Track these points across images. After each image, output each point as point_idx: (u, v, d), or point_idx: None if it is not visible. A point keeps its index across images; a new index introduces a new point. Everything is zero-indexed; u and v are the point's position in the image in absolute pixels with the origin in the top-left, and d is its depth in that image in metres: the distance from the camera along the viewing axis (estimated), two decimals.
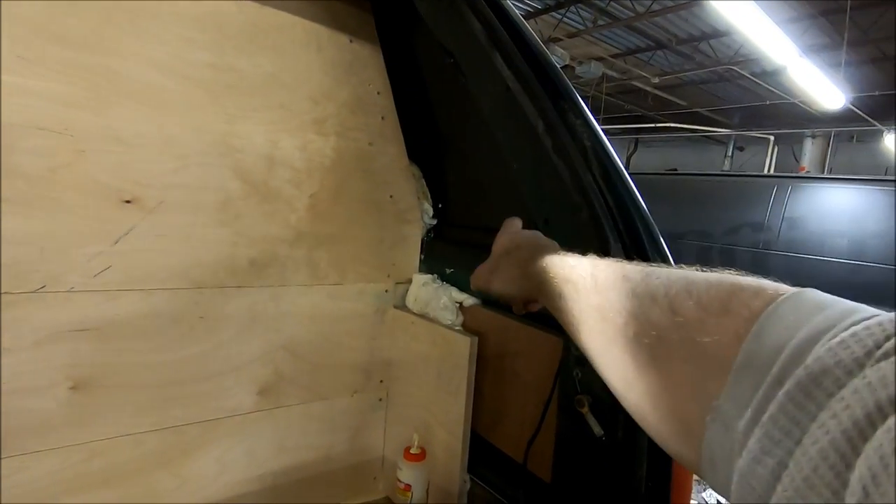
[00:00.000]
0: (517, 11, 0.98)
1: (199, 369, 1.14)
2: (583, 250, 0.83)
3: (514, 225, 0.76)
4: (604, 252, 0.80)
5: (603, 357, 0.43)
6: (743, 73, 7.41)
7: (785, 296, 0.31)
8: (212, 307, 1.14)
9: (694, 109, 9.79)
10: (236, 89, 1.14)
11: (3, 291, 0.91)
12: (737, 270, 0.37)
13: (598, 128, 0.89)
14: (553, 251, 0.62)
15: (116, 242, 1.01)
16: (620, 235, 0.82)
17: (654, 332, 0.36)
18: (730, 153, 11.27)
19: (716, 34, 6.76)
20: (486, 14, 0.92)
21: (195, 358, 1.13)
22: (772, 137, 9.48)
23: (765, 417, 0.26)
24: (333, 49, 1.28)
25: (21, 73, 0.90)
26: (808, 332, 0.27)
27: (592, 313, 0.44)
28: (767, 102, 8.54)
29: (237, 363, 1.19)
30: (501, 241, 0.72)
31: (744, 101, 9.19)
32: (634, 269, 0.43)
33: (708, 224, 4.82)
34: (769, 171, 9.33)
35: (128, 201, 1.02)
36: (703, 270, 0.38)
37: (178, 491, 1.14)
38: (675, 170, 7.61)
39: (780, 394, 0.26)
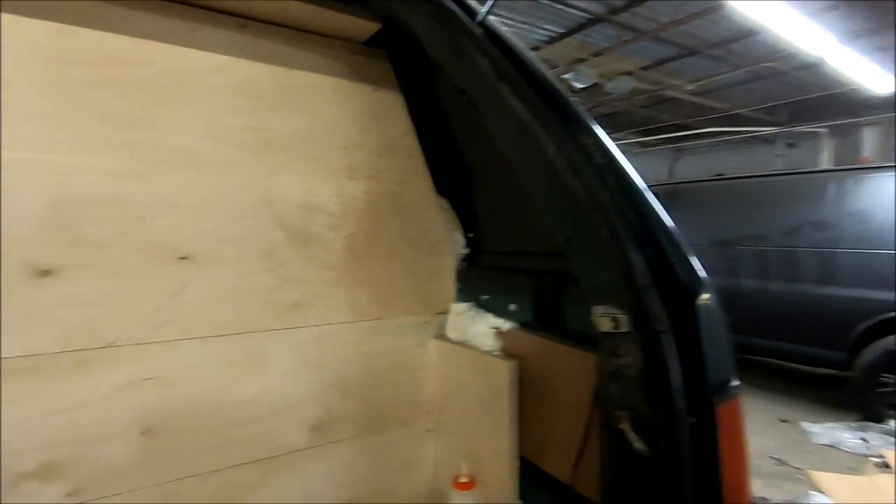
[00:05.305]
0: (522, 44, 1.02)
1: (253, 410, 1.20)
2: (606, 266, 0.84)
3: None
4: (626, 267, 0.80)
5: None
6: (783, 68, 7.14)
7: None
8: (262, 350, 1.21)
9: (735, 111, 9.45)
10: (273, 146, 1.24)
11: (78, 349, 1.01)
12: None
13: (611, 145, 0.90)
14: None
15: (175, 296, 1.11)
16: (642, 248, 0.82)
17: None
18: (780, 152, 10.76)
19: (749, 33, 6.60)
20: (490, 51, 0.97)
21: (250, 400, 1.20)
22: (824, 130, 8.98)
23: None
24: (359, 100, 1.37)
25: (80, 153, 1.02)
26: None
27: None
28: (814, 95, 8.15)
29: (289, 402, 1.25)
30: None
31: (788, 97, 8.81)
32: None
33: (764, 227, 4.60)
34: (828, 164, 8.81)
35: (183, 258, 1.12)
36: None
37: None
38: (722, 175, 7.34)
39: None
